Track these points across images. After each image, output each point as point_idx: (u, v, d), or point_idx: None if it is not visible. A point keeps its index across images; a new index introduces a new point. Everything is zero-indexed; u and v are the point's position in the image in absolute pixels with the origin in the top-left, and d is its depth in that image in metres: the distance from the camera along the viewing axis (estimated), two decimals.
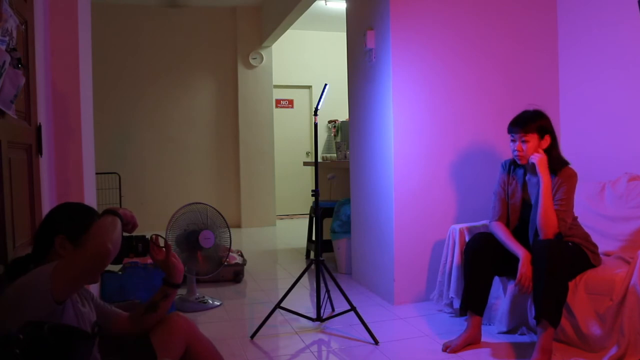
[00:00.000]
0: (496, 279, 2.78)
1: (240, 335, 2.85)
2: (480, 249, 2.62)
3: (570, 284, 2.43)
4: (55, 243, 1.47)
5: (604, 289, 2.37)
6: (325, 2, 6.18)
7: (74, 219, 1.53)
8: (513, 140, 2.60)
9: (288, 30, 6.64)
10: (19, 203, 1.91)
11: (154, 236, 1.73)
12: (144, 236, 1.62)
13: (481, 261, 2.60)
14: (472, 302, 2.61)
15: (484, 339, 2.64)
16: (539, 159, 2.51)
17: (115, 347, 2.30)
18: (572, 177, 2.52)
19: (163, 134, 6.92)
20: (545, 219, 2.44)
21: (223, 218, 3.47)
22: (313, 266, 3.02)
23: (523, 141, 2.54)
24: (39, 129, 2.21)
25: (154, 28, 6.89)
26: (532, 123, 2.55)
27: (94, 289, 2.76)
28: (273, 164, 7.29)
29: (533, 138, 2.53)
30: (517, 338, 2.68)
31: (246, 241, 5.96)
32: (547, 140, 2.55)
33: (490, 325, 2.87)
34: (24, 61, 1.93)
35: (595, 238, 2.65)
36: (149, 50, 6.86)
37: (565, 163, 2.57)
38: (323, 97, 3.05)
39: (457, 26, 3.45)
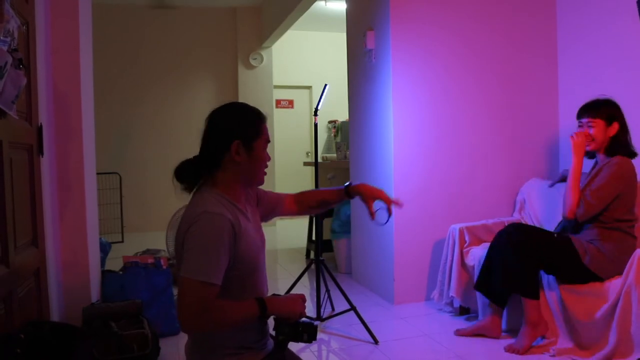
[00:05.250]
0: None
1: None
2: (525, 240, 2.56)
3: (567, 284, 2.45)
4: (232, 149, 1.41)
5: (600, 289, 2.38)
6: (325, 2, 6.18)
7: (249, 122, 1.46)
8: (580, 126, 2.64)
9: (288, 31, 6.64)
10: (20, 203, 1.91)
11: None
12: (311, 324, 1.46)
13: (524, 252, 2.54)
14: (492, 291, 2.65)
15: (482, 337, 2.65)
16: (574, 140, 2.58)
17: (115, 347, 2.31)
18: (618, 167, 2.49)
19: (164, 134, 6.92)
20: (565, 199, 2.55)
21: None
22: (313, 266, 3.03)
23: (589, 126, 2.58)
24: (40, 129, 2.21)
25: (155, 29, 6.89)
26: (599, 109, 2.59)
27: (95, 289, 2.77)
28: (273, 164, 7.29)
29: (599, 124, 2.57)
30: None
31: None
32: (614, 127, 2.57)
33: None
34: (25, 62, 1.94)
35: None
36: (150, 50, 6.86)
37: (625, 152, 2.56)
38: (323, 97, 3.06)
39: (457, 27, 3.45)
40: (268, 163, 1.51)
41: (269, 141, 1.51)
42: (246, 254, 1.38)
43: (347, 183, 1.75)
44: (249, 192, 1.57)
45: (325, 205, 1.78)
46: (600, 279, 2.41)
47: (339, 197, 1.75)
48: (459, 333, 2.73)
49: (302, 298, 1.46)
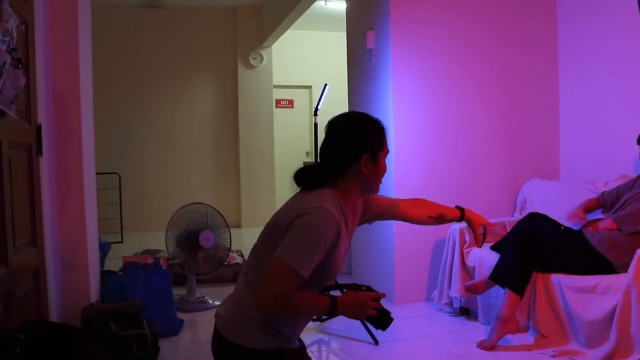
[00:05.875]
0: None
1: None
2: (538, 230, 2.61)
3: (568, 282, 2.45)
4: (361, 161, 1.43)
5: (602, 288, 2.37)
6: (325, 2, 6.18)
7: (378, 136, 1.47)
8: None
9: (288, 30, 6.63)
10: (19, 203, 1.91)
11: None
12: (385, 314, 1.44)
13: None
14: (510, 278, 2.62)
15: (482, 337, 2.64)
16: None
17: (114, 348, 2.30)
18: None
19: (163, 134, 6.92)
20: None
21: (223, 218, 3.47)
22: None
23: None
24: (39, 129, 2.21)
25: (155, 28, 6.88)
26: None
27: (94, 289, 2.76)
28: (273, 164, 7.29)
29: None
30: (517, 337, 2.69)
31: (246, 241, 5.95)
32: None
33: (489, 325, 2.87)
34: (24, 61, 1.94)
35: None
36: (150, 50, 6.85)
37: None
38: (323, 97, 3.06)
39: (457, 27, 3.45)
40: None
41: (388, 152, 1.52)
42: (330, 264, 1.41)
43: (458, 206, 1.80)
44: (357, 200, 1.57)
45: (442, 220, 1.78)
46: (613, 270, 2.42)
47: (453, 217, 1.79)
48: (468, 288, 2.80)
49: (371, 300, 1.42)
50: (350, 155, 1.44)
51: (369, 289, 1.47)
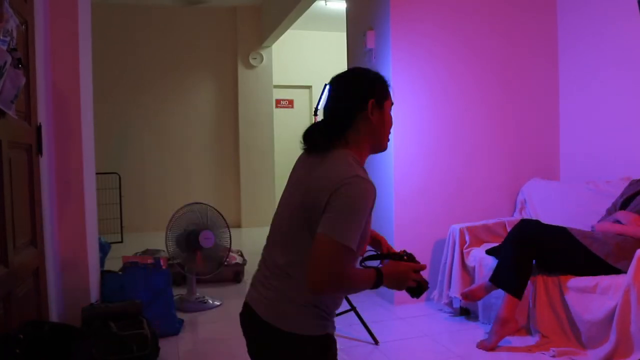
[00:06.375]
0: None
1: (240, 335, 2.83)
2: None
3: (568, 283, 2.45)
4: (369, 107, 1.40)
5: (602, 289, 2.37)
6: (325, 2, 6.18)
7: (383, 83, 1.46)
8: None
9: (288, 30, 6.64)
10: (19, 203, 1.91)
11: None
12: (422, 284, 1.44)
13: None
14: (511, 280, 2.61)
15: (482, 337, 2.64)
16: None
17: (115, 348, 2.30)
18: None
19: (163, 134, 6.92)
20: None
21: (223, 218, 3.47)
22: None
23: None
24: (39, 129, 2.21)
25: (155, 28, 6.88)
26: None
27: (94, 289, 2.76)
28: (273, 164, 7.29)
29: None
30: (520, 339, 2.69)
31: (246, 241, 5.95)
32: None
33: (489, 324, 2.87)
34: (24, 61, 1.94)
35: None
36: (150, 50, 6.86)
37: None
38: (323, 97, 3.06)
39: (457, 27, 3.45)
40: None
41: (393, 103, 1.51)
42: (365, 232, 1.36)
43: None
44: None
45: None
46: (614, 269, 2.42)
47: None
48: (464, 295, 2.74)
49: (415, 272, 1.41)
50: (357, 103, 1.42)
51: (410, 257, 1.44)
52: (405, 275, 1.39)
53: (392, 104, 1.50)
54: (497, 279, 2.59)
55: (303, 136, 1.46)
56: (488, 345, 2.54)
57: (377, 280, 1.33)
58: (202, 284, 3.84)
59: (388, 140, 1.51)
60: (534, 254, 2.57)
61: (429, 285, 1.50)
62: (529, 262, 2.55)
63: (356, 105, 1.42)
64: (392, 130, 1.53)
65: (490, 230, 3.21)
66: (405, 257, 1.46)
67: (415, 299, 1.46)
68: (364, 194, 1.30)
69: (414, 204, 3.34)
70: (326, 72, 8.45)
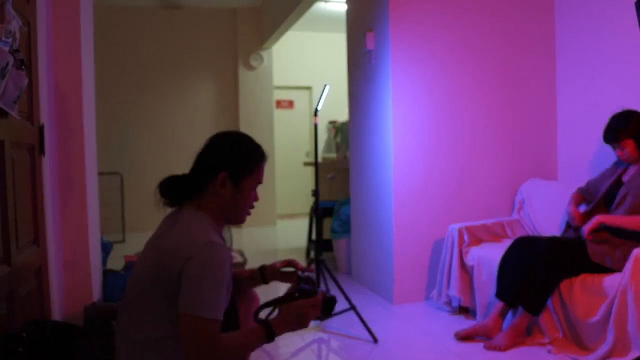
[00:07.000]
0: None
1: None
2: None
3: (568, 282, 2.47)
4: (218, 179, 1.34)
5: (599, 288, 2.39)
6: (326, 3, 6.20)
7: (244, 158, 1.39)
8: (613, 149, 2.66)
9: (288, 32, 6.65)
10: (22, 203, 1.92)
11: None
12: (330, 300, 1.45)
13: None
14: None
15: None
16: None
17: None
18: None
19: (164, 134, 6.93)
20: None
21: None
22: (313, 265, 3.04)
23: (621, 149, 2.61)
24: (41, 129, 2.22)
25: (156, 30, 6.90)
26: (620, 132, 2.60)
27: (96, 288, 2.78)
28: (273, 164, 7.29)
29: (629, 143, 2.58)
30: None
31: (246, 241, 5.97)
32: None
33: None
34: (27, 62, 1.95)
35: None
36: (151, 51, 6.87)
37: None
38: (323, 97, 3.07)
39: (456, 28, 3.46)
40: (255, 204, 1.43)
41: (260, 182, 1.43)
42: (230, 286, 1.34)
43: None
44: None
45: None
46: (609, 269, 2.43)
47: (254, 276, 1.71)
48: (459, 335, 2.67)
49: (313, 307, 1.38)
50: (209, 169, 1.35)
51: (302, 293, 1.38)
52: (302, 315, 1.36)
53: (260, 182, 1.42)
54: (521, 299, 2.51)
55: (159, 186, 1.40)
56: (502, 347, 2.49)
57: (268, 335, 1.30)
58: None
59: (245, 216, 1.42)
60: (564, 275, 2.52)
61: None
62: (557, 283, 2.49)
63: (209, 173, 1.36)
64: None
65: (488, 230, 3.22)
66: (296, 294, 1.40)
67: (328, 318, 1.45)
68: (217, 263, 1.25)
69: (414, 204, 3.36)
70: (326, 73, 8.52)
